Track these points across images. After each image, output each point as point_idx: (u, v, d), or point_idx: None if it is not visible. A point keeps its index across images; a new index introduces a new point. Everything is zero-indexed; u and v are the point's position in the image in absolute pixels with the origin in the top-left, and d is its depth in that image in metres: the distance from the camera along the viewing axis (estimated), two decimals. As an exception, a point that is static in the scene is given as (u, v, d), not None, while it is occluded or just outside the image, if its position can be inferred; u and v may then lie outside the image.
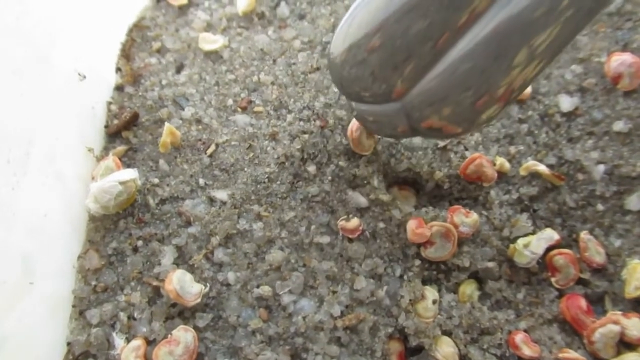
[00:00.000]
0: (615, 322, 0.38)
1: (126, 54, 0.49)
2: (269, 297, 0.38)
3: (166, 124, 0.44)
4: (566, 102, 0.45)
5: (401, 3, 0.28)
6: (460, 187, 0.44)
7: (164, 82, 0.47)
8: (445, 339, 0.39)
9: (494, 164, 0.43)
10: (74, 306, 0.39)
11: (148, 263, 0.40)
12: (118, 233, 0.41)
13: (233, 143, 0.44)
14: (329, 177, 0.41)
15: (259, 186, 0.42)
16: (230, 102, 0.46)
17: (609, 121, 0.44)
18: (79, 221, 0.41)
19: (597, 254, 0.42)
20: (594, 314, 0.40)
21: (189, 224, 0.41)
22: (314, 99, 0.44)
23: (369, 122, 0.37)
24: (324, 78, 0.46)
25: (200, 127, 0.45)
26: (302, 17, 0.50)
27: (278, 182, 0.42)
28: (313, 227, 0.40)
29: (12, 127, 0.36)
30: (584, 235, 0.42)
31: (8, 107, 0.36)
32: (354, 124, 0.41)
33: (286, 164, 0.42)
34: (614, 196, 0.43)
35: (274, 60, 0.47)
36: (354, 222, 0.40)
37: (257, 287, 0.39)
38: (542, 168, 0.43)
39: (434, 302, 0.39)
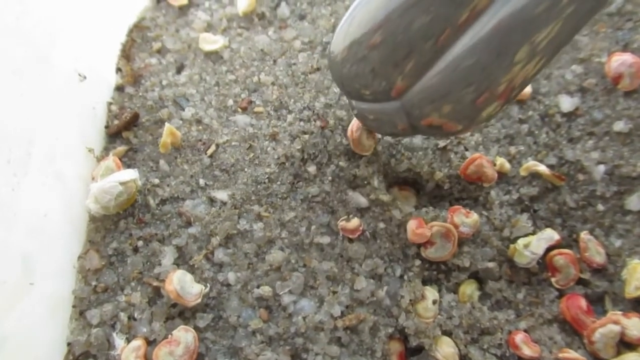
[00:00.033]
0: (616, 322, 0.38)
1: (126, 54, 0.49)
2: (269, 298, 0.38)
3: (166, 124, 0.44)
4: (566, 102, 0.45)
5: (402, 0, 0.28)
6: (461, 188, 0.44)
7: (164, 82, 0.47)
8: (446, 339, 0.39)
9: (494, 164, 0.43)
10: (74, 306, 0.39)
11: (148, 263, 0.40)
12: (118, 233, 0.41)
13: (233, 143, 0.44)
14: (329, 178, 0.41)
15: (259, 186, 0.42)
16: (230, 102, 0.46)
17: (609, 121, 0.44)
18: (79, 221, 0.41)
19: (597, 254, 0.42)
20: (594, 314, 0.40)
21: (189, 224, 0.41)
22: (314, 99, 0.45)
23: (370, 120, 0.37)
24: (324, 78, 0.46)
25: (200, 127, 0.45)
26: (302, 17, 0.50)
27: (278, 183, 0.42)
28: (313, 227, 0.40)
29: (12, 127, 0.36)
30: (584, 235, 0.42)
31: (8, 107, 0.36)
32: (354, 124, 0.41)
33: (286, 164, 0.42)
34: (614, 196, 0.43)
35: (275, 61, 0.47)
36: (354, 222, 0.40)
37: (258, 287, 0.39)
38: (542, 168, 0.43)
39: (434, 302, 0.39)
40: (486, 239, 0.42)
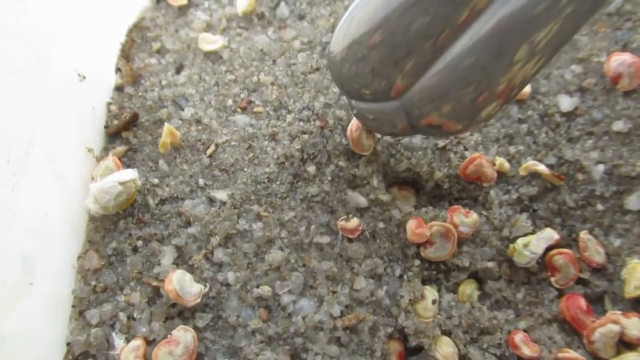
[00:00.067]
0: (615, 322, 0.38)
1: (126, 54, 0.49)
2: (268, 297, 0.38)
3: (166, 124, 0.44)
4: (566, 102, 0.45)
5: (402, 0, 0.28)
6: (460, 187, 0.44)
7: (163, 82, 0.47)
8: (445, 338, 0.39)
9: (494, 164, 0.43)
10: (73, 306, 0.39)
11: (148, 263, 0.40)
12: (118, 233, 0.41)
13: (233, 143, 0.44)
14: (329, 177, 0.41)
15: (258, 186, 0.42)
16: (230, 102, 0.46)
17: (608, 121, 0.44)
18: (79, 221, 0.41)
19: (596, 254, 0.42)
20: (594, 314, 0.40)
21: (188, 224, 0.41)
22: (314, 99, 0.45)
23: (369, 120, 0.37)
24: (323, 78, 0.46)
25: (200, 127, 0.45)
26: (301, 17, 0.50)
27: (278, 182, 0.42)
28: (313, 227, 0.40)
29: (12, 127, 0.36)
30: (583, 235, 0.42)
31: (8, 107, 0.36)
32: (353, 124, 0.41)
33: (286, 164, 0.42)
34: (613, 196, 0.43)
35: (274, 61, 0.48)
36: (354, 222, 0.40)
37: (257, 287, 0.39)
38: (541, 168, 0.43)
39: (434, 302, 0.39)
40: (486, 239, 0.42)
